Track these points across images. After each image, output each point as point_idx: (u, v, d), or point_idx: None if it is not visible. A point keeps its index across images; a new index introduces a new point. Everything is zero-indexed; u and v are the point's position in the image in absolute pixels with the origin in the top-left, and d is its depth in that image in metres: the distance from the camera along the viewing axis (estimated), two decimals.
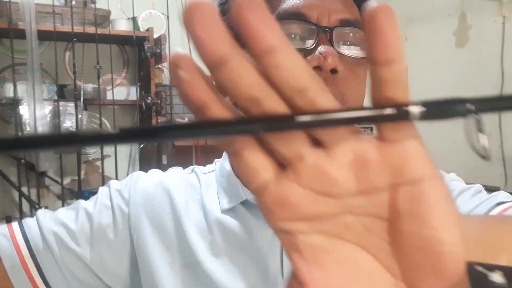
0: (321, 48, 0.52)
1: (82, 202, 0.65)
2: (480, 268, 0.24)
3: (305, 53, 0.53)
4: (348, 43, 0.56)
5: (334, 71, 0.52)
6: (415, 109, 0.23)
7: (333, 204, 0.24)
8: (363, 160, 0.24)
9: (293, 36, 0.54)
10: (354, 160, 0.24)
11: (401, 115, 0.23)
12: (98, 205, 0.63)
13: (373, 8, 0.23)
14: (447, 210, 0.24)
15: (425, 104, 0.23)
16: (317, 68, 0.52)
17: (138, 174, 0.67)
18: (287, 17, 0.55)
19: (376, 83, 0.24)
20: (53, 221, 0.62)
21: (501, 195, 0.55)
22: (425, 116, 0.23)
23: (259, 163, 0.24)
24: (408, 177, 0.24)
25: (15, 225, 0.62)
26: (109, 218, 0.62)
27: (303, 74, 0.22)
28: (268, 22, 0.22)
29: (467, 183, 0.61)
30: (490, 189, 0.60)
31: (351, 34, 0.56)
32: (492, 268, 0.24)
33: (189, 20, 0.22)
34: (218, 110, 0.23)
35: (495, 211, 0.51)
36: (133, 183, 0.65)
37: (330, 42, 0.54)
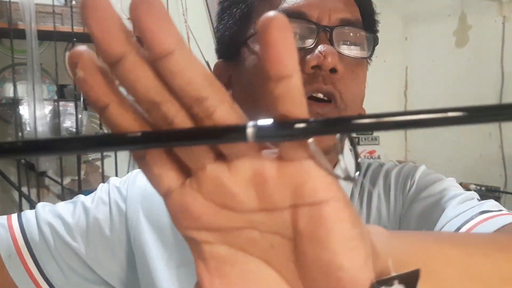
0: (321, 47, 0.52)
1: (81, 196, 0.65)
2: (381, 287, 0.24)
3: (305, 52, 0.53)
4: (348, 43, 0.56)
5: (333, 70, 0.52)
6: (249, 130, 0.22)
7: (235, 218, 0.24)
8: (262, 177, 0.23)
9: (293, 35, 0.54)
10: (253, 177, 0.23)
11: (238, 136, 0.22)
12: (96, 200, 0.64)
13: (266, 20, 0.21)
14: (347, 234, 0.23)
15: (256, 125, 0.22)
16: (317, 67, 0.52)
17: (138, 171, 0.67)
18: (287, 16, 0.54)
19: (271, 99, 0.23)
20: (51, 214, 0.62)
21: (489, 204, 0.54)
22: (259, 137, 0.22)
23: (163, 170, 0.24)
24: (306, 198, 0.23)
25: (14, 216, 0.63)
26: (106, 213, 0.63)
27: (200, 82, 0.22)
28: (165, 25, 0.21)
29: (467, 183, 0.61)
30: (490, 189, 0.60)
31: (352, 34, 0.56)
32: (390, 281, 0.24)
33: (85, 15, 0.21)
34: (117, 110, 0.23)
35: (476, 219, 0.50)
36: (132, 180, 0.65)
37: (330, 42, 0.53)
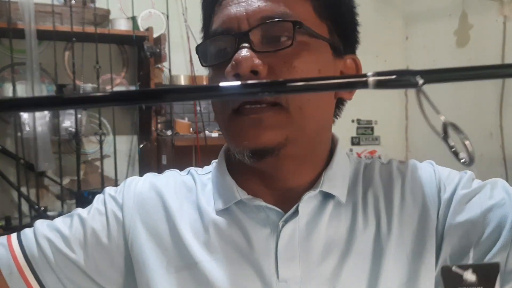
0: (234, 56, 0.53)
1: (78, 209, 0.66)
2: (455, 269, 0.27)
3: (225, 64, 0.54)
4: (276, 37, 0.55)
5: (254, 72, 0.52)
6: (371, 79, 0.29)
7: None
8: None
9: (223, 51, 0.56)
10: None
11: (361, 83, 0.30)
12: (92, 211, 0.64)
13: None
14: None
15: (379, 74, 0.29)
16: (238, 76, 0.52)
17: (132, 179, 0.68)
18: (214, 35, 0.57)
19: None
20: (48, 228, 0.63)
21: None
22: (379, 85, 0.29)
23: None
24: None
25: (13, 235, 0.64)
26: (103, 223, 0.63)
27: None
28: None
29: None
30: None
31: (272, 28, 0.55)
32: (465, 267, 0.27)
33: None
34: None
35: None
36: (126, 188, 0.65)
37: (251, 44, 0.53)
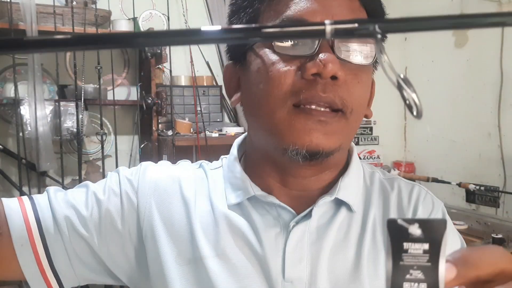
0: (321, 56, 0.53)
1: (90, 185, 0.65)
2: (400, 222, 0.29)
3: (306, 59, 0.54)
4: (351, 48, 0.56)
5: (334, 77, 0.53)
6: (329, 27, 0.27)
7: None
8: None
9: (295, 42, 0.55)
10: None
11: (318, 31, 0.28)
12: (107, 192, 0.64)
13: None
14: None
15: (336, 23, 0.27)
16: (317, 75, 0.53)
17: (148, 164, 0.68)
18: (290, 23, 0.55)
19: None
20: (65, 204, 0.62)
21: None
22: (336, 34, 0.27)
23: None
24: None
25: (26, 202, 0.62)
26: (117, 206, 0.63)
27: None
28: None
29: (467, 183, 0.63)
30: (489, 189, 0.61)
31: (358, 40, 0.56)
32: (411, 221, 0.29)
33: None
34: None
35: None
36: (142, 172, 0.65)
37: (332, 49, 0.54)
